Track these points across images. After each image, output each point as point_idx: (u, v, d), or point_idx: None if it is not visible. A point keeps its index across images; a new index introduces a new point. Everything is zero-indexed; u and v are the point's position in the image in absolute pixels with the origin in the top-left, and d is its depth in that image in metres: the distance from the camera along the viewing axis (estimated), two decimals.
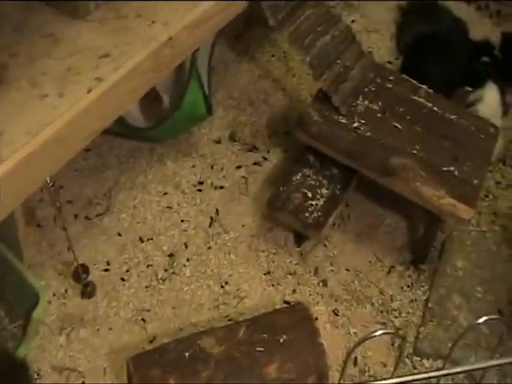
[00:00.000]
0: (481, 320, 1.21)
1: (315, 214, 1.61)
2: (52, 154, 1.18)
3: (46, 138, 1.15)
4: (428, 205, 1.58)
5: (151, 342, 1.51)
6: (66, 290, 1.57)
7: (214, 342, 1.31)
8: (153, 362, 1.31)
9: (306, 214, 1.60)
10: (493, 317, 1.28)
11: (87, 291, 1.56)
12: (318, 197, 1.64)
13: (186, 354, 1.30)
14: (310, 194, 1.64)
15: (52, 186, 1.29)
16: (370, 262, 1.68)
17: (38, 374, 1.45)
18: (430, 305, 1.60)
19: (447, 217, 1.59)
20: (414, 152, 1.61)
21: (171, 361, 1.30)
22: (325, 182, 1.67)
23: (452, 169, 1.60)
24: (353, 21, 2.31)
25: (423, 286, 1.65)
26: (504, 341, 1.31)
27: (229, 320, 1.54)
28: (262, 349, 1.32)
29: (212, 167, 1.82)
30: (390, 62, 2.18)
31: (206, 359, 1.29)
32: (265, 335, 1.33)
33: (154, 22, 1.35)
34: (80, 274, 1.53)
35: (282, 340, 1.33)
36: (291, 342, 1.33)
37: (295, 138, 1.69)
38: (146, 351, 1.37)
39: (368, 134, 1.63)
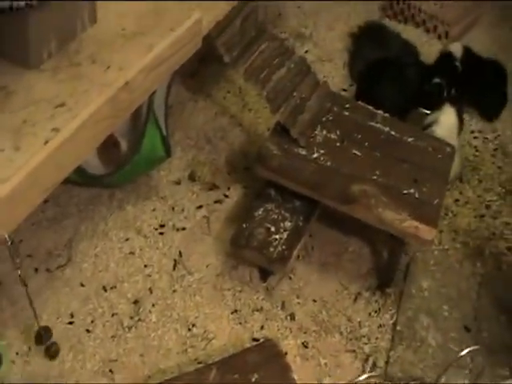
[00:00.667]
0: (464, 352, 1.27)
1: (279, 248, 1.60)
2: (10, 210, 1.16)
3: (4, 195, 1.13)
4: (391, 229, 1.58)
5: None
6: (29, 348, 1.53)
7: None
8: None
9: (271, 249, 1.60)
10: (475, 347, 1.32)
11: (51, 352, 1.51)
12: (282, 230, 1.64)
13: None
14: (273, 229, 1.64)
15: (11, 243, 1.28)
16: (337, 290, 1.68)
17: None
18: (398, 328, 1.60)
19: (410, 239, 1.60)
20: (374, 178, 1.63)
21: None
22: (287, 214, 1.67)
23: (412, 191, 1.62)
24: (306, 51, 2.35)
25: (391, 310, 1.65)
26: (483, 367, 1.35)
27: (198, 363, 1.52)
28: None
29: (173, 209, 1.81)
30: (344, 90, 2.22)
31: None
32: (236, 376, 1.32)
33: (108, 67, 1.34)
34: (42, 336, 1.49)
35: (253, 379, 1.32)
36: (263, 379, 1.32)
37: (255, 173, 1.70)
38: None
39: (328, 163, 1.65)
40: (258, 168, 1.68)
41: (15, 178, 1.15)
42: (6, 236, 1.25)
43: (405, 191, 1.63)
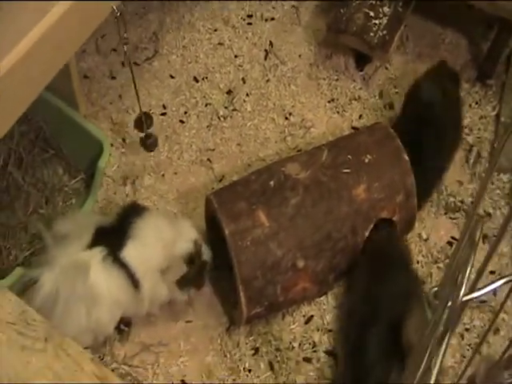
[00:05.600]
0: None
1: (380, 34, 1.38)
2: None
3: None
4: (502, 12, 1.34)
5: (220, 181, 1.34)
6: (123, 140, 1.39)
7: (298, 167, 1.13)
8: (236, 195, 1.13)
9: (371, 34, 1.38)
10: None
11: (148, 143, 1.34)
12: (381, 15, 1.41)
13: (271, 182, 1.13)
14: (372, 14, 1.40)
15: (120, 14, 1.09)
16: None
17: None
18: (502, 119, 1.41)
19: None
20: None
21: (256, 192, 1.13)
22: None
23: None
24: None
25: (492, 102, 1.45)
26: None
27: (298, 151, 1.36)
28: (347, 170, 1.15)
29: None
30: None
31: (294, 186, 1.12)
32: (349, 156, 1.16)
33: None
34: (143, 122, 1.31)
35: (366, 160, 1.16)
36: (376, 161, 1.16)
37: None
38: (227, 185, 1.20)
39: None
40: None
41: None
42: (114, 7, 1.06)
43: None
